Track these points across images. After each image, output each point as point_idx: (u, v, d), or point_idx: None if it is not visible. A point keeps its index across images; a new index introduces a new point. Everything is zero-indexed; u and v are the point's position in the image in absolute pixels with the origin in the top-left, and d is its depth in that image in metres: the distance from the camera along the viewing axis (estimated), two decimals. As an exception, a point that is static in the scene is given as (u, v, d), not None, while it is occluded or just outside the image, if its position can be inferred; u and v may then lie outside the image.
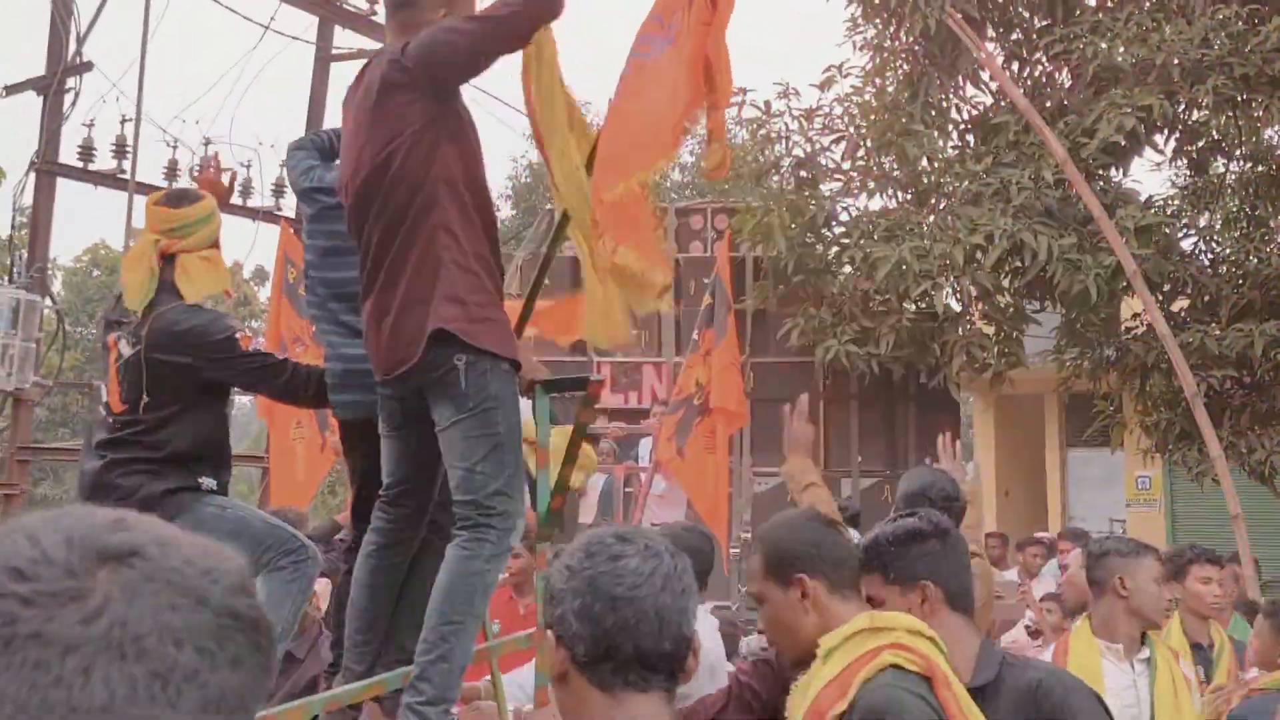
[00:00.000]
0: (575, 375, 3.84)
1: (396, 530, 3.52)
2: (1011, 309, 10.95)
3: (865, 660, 2.21)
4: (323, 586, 5.31)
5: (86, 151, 10.32)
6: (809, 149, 11.36)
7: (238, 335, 3.76)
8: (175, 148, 10.57)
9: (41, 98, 10.03)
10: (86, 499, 3.77)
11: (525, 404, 3.60)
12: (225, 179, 4.22)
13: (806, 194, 11.10)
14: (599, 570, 1.72)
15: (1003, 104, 10.89)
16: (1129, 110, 9.68)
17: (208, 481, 3.78)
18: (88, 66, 10.11)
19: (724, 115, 3.70)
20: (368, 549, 3.55)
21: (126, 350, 3.75)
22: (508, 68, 3.42)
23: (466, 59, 3.22)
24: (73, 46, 10.11)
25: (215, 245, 3.90)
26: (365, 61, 3.51)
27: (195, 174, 10.71)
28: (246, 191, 10.76)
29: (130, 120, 10.32)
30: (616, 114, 3.50)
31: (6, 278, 9.60)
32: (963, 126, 11.56)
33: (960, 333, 10.66)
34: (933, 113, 11.17)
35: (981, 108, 11.44)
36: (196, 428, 3.78)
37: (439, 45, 3.21)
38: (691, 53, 3.38)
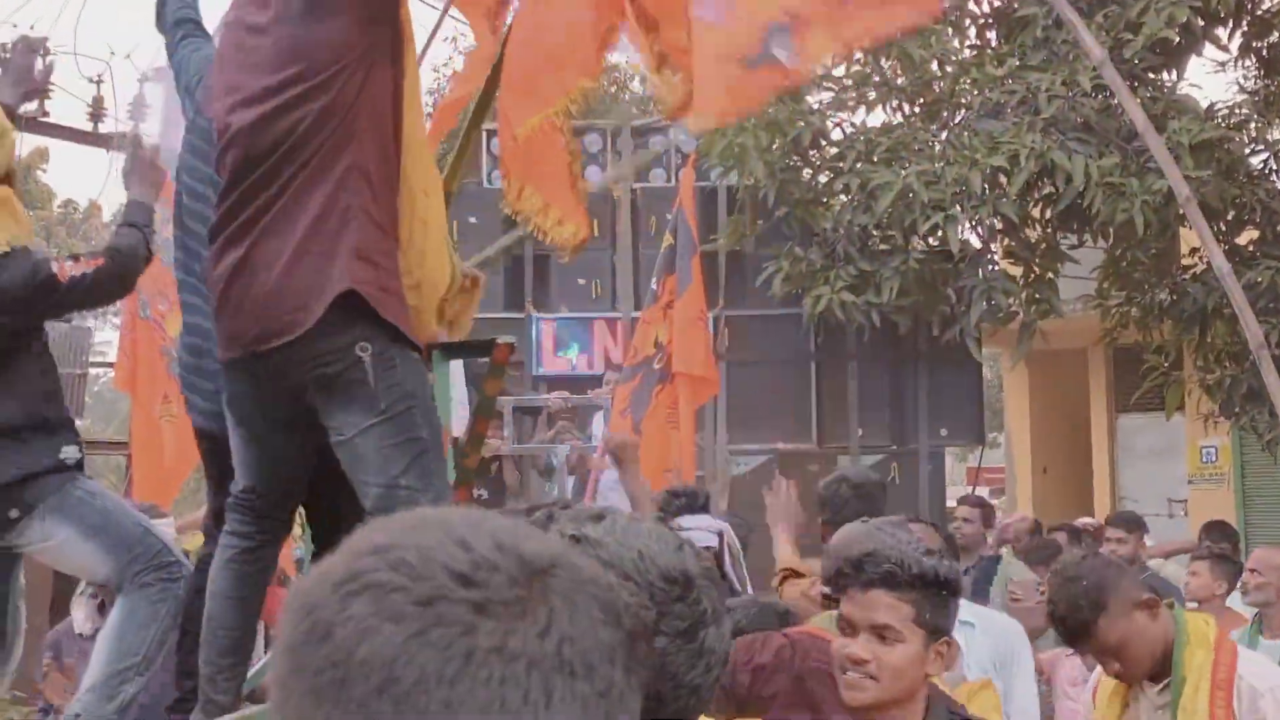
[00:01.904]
0: (477, 340, 3.83)
1: (261, 533, 3.51)
2: (1043, 245, 10.98)
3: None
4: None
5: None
6: (792, 52, 11.31)
7: (54, 271, 3.80)
8: (99, 84, 10.49)
9: None
10: None
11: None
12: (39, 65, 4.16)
13: (790, 108, 11.06)
14: None
15: (1030, -7, 10.88)
16: (1182, -1, 9.69)
17: (70, 452, 3.79)
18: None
19: (677, 32, 3.66)
20: (228, 554, 3.54)
21: None
22: None
23: None
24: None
25: (7, 179, 3.83)
26: None
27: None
28: (98, 114, 10.66)
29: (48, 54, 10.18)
30: (524, 24, 3.47)
31: None
32: (981, 22, 11.54)
33: (980, 275, 10.68)
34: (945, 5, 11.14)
35: (1004, -2, 11.42)
36: (33, 388, 3.79)
37: None
38: None
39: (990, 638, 4.41)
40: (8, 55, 4.31)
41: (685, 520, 5.55)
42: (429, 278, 3.40)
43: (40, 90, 4.49)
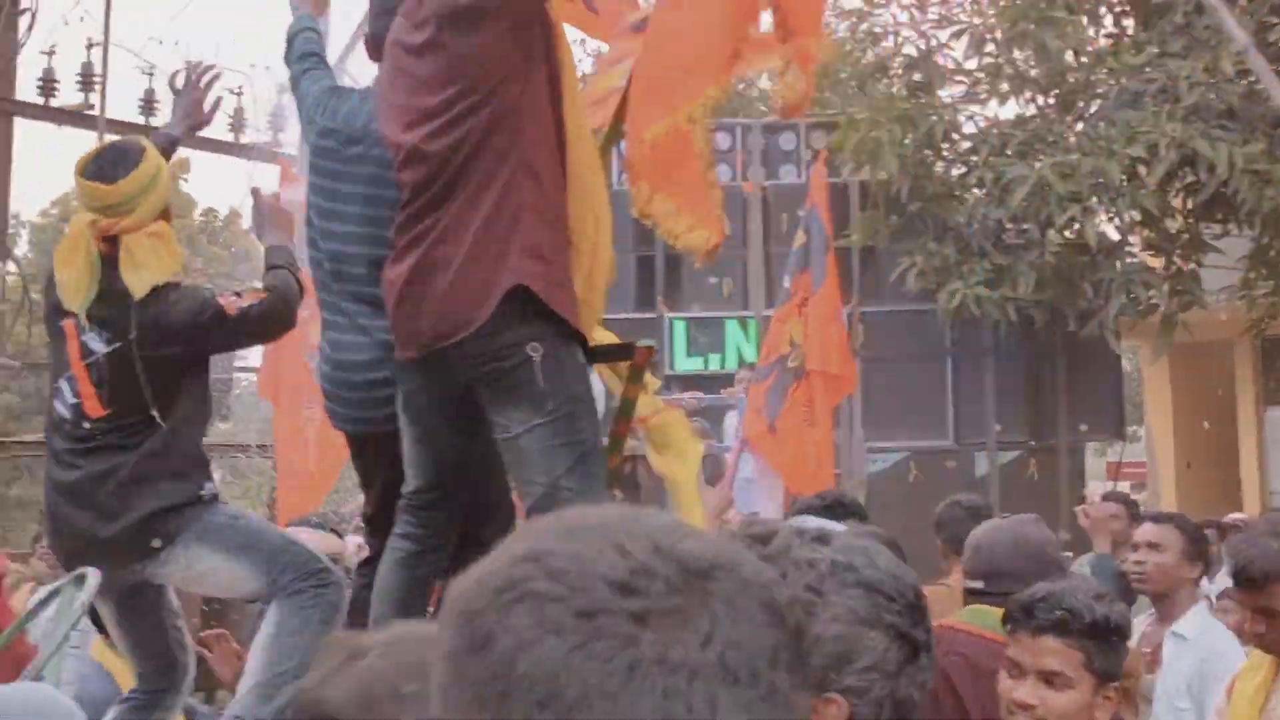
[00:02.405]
0: (619, 343, 3.87)
1: (430, 536, 3.58)
2: (1184, 235, 10.78)
3: None
4: None
5: (48, 84, 10.56)
6: (923, 46, 11.24)
7: (222, 305, 3.85)
8: (152, 75, 10.80)
9: (-9, 22, 10.26)
10: (58, 519, 3.89)
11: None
12: (210, 101, 4.22)
13: (922, 102, 10.99)
14: None
15: (1170, -23, 10.69)
16: (1328, -21, 9.46)
17: (209, 488, 3.88)
18: (44, -18, 10.33)
19: (810, 43, 3.67)
20: (397, 555, 3.61)
21: (99, 346, 3.81)
22: None
23: None
24: (25, -42, 10.32)
25: (164, 215, 3.91)
26: None
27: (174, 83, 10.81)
28: (239, 124, 10.95)
29: (98, 45, 10.54)
30: (655, 30, 3.50)
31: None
32: (1117, 9, 11.36)
33: (1119, 268, 10.52)
34: (1079, -7, 10.99)
35: (1141, -16, 11.23)
36: (190, 427, 3.90)
37: None
38: None
39: (1196, 655, 4.29)
40: (178, 87, 4.40)
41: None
42: (600, 269, 3.44)
43: (208, 122, 4.58)
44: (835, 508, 3.86)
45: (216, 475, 4.17)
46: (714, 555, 0.88)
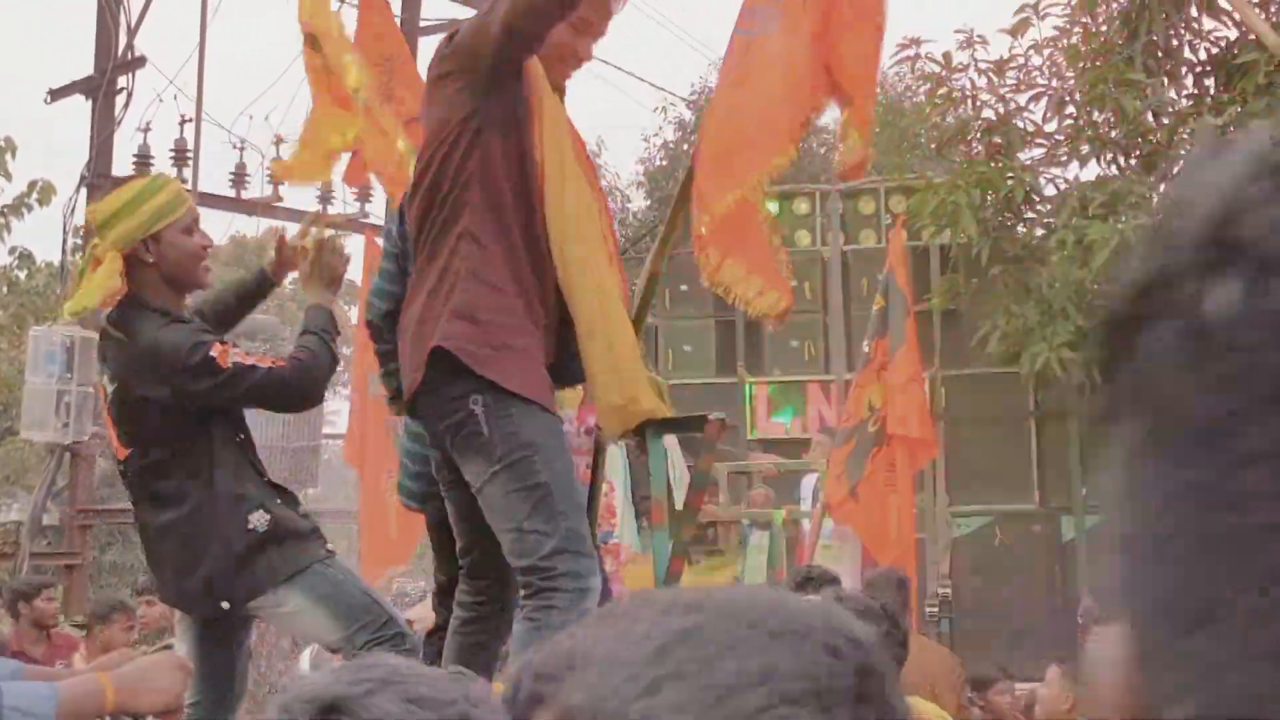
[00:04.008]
0: (691, 415, 3.95)
1: (478, 604, 3.67)
2: (1270, 295, 10.66)
3: None
4: None
5: (143, 160, 10.89)
6: (1002, 109, 11.26)
7: (214, 354, 3.70)
8: (243, 150, 11.10)
9: (90, 101, 10.61)
10: (151, 564, 3.97)
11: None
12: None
13: (1001, 164, 11.00)
14: None
15: (1250, 38, 10.64)
16: None
17: (259, 519, 3.82)
18: (140, 62, 10.69)
19: (866, 107, 3.77)
20: (454, 622, 3.71)
21: (109, 385, 3.88)
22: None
23: (498, 33, 3.28)
24: (123, 40, 10.68)
25: (137, 253, 3.80)
26: None
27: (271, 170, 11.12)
28: (327, 199, 11.20)
29: (190, 121, 10.86)
30: (722, 104, 3.60)
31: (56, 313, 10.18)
32: (1198, 70, 11.31)
33: (1205, 328, 10.40)
34: (1159, 55, 10.96)
35: (1222, 44, 11.19)
36: (226, 471, 3.83)
37: (477, 21, 3.39)
38: (812, 28, 3.46)
39: None
40: (313, 252, 4.04)
41: None
42: (618, 333, 3.45)
43: (342, 279, 4.21)
44: (805, 584, 3.92)
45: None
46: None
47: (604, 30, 3.50)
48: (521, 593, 3.34)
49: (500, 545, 3.49)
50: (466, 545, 3.63)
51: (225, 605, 3.78)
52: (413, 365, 3.38)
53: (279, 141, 10.96)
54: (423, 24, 11.70)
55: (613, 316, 3.42)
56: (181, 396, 3.69)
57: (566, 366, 3.51)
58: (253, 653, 4.57)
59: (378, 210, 10.86)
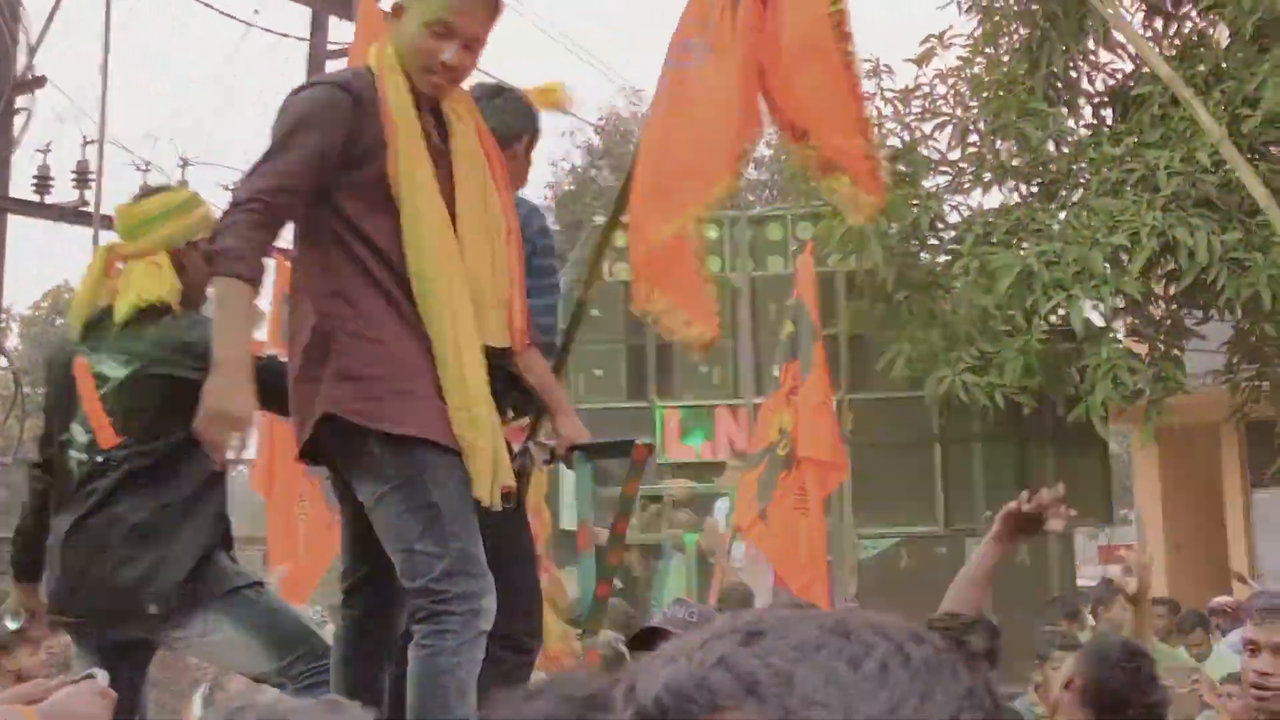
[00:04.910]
0: (618, 439, 3.99)
1: (358, 635, 3.60)
2: (1167, 322, 10.94)
3: None
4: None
5: (43, 181, 10.71)
6: (907, 137, 11.46)
7: None
8: (147, 171, 10.98)
9: (-11, 121, 10.43)
10: (69, 572, 3.82)
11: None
12: None
13: (906, 192, 11.18)
14: None
15: (1145, 70, 10.93)
16: (1300, 71, 9.70)
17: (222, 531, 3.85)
18: (40, 82, 10.52)
19: (846, 144, 3.74)
20: (339, 644, 3.68)
21: (117, 371, 3.84)
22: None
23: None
24: (22, 60, 10.51)
25: (180, 253, 3.91)
26: None
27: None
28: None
29: (93, 142, 10.72)
30: (658, 136, 3.65)
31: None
32: (1097, 100, 11.61)
33: (1104, 354, 10.66)
34: (1059, 85, 11.23)
35: (1119, 76, 11.48)
36: (211, 480, 3.85)
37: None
38: (743, 59, 3.52)
39: None
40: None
41: None
42: (469, 368, 3.39)
43: None
44: (723, 603, 3.95)
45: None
46: None
47: (475, 35, 3.42)
48: (414, 617, 3.30)
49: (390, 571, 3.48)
50: (349, 564, 3.59)
51: (154, 610, 3.71)
52: (299, 422, 3.40)
53: (185, 164, 10.87)
54: (330, 48, 11.67)
55: (464, 349, 3.39)
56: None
57: (501, 396, 3.51)
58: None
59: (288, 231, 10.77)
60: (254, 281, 3.26)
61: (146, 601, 3.73)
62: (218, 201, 10.91)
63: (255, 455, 10.10)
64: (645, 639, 3.41)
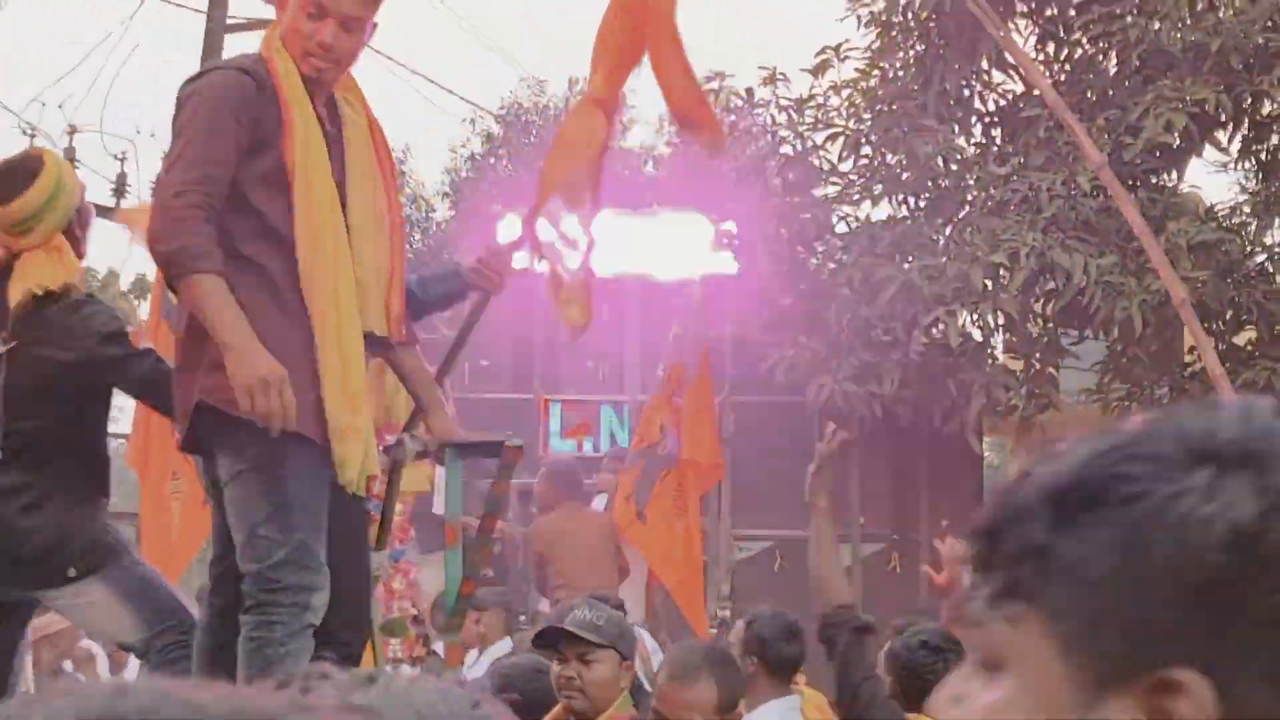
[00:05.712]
0: (489, 439, 4.04)
1: (219, 624, 3.58)
2: (1044, 340, 11.19)
3: None
4: None
5: (-77, 143, 10.47)
6: (799, 146, 11.57)
7: (126, 330, 3.91)
8: (33, 137, 10.79)
9: None
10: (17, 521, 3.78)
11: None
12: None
13: (796, 200, 11.31)
14: None
15: (1035, 93, 11.14)
16: (1179, 105, 9.95)
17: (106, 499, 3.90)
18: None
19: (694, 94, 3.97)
20: (202, 629, 3.71)
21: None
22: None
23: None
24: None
25: (74, 226, 3.93)
26: None
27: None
28: (121, 189, 10.96)
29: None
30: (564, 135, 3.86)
31: None
32: (986, 120, 11.82)
33: (982, 369, 10.89)
34: (950, 103, 11.41)
35: (1009, 97, 11.69)
36: (98, 452, 3.90)
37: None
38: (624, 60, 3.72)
39: None
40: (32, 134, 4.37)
41: None
42: (350, 365, 3.45)
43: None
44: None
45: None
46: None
47: (351, 15, 3.42)
48: (244, 605, 3.33)
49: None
50: (216, 554, 3.61)
51: (73, 573, 3.74)
52: (180, 412, 3.45)
53: (72, 131, 10.71)
54: (229, 22, 11.54)
55: (345, 332, 3.43)
56: (92, 361, 3.78)
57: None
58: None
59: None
60: (221, 274, 3.29)
61: (65, 564, 3.75)
62: (104, 171, 10.81)
63: (130, 431, 10.01)
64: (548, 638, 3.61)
